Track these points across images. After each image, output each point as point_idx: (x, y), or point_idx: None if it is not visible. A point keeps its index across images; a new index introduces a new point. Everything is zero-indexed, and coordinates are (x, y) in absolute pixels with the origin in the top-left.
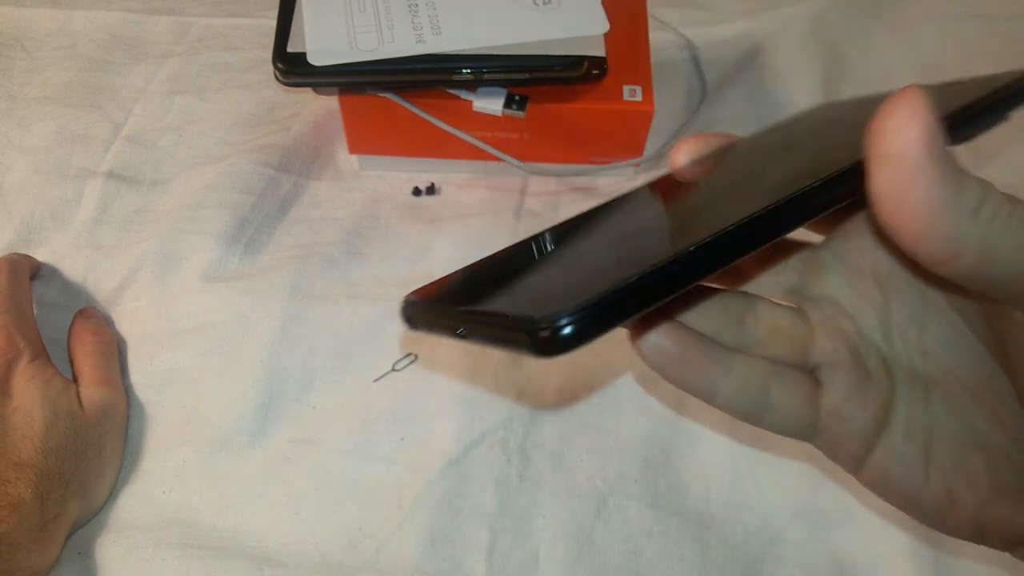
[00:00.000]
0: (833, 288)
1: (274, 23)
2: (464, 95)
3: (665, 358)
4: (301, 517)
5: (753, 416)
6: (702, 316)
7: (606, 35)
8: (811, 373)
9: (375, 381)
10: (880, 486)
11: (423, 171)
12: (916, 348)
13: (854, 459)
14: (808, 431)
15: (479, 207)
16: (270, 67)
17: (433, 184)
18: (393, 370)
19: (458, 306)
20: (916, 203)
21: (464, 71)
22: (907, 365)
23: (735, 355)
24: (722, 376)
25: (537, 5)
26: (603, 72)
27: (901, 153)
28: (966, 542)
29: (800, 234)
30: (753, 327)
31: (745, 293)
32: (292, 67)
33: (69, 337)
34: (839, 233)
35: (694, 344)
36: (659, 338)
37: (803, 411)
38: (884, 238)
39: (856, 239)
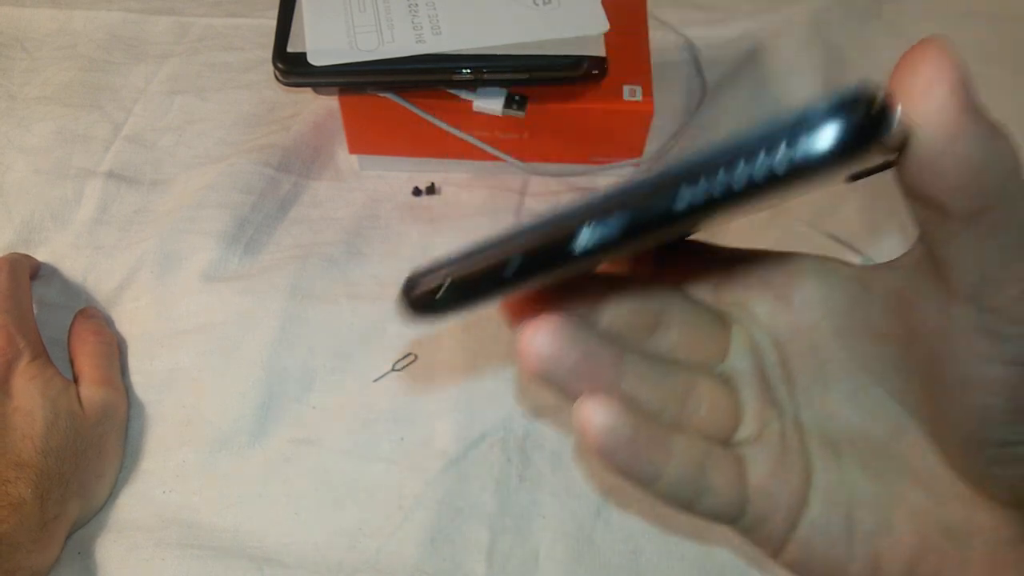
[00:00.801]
0: (745, 358)
1: (274, 23)
2: (464, 95)
3: (618, 440)
4: (301, 517)
5: (689, 502)
6: (652, 389)
7: (606, 35)
8: (733, 450)
9: (375, 381)
10: (804, 565)
11: (423, 171)
12: (821, 410)
13: (777, 538)
14: (736, 512)
15: (479, 207)
16: (270, 67)
17: (433, 184)
18: (393, 370)
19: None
20: (955, 162)
21: (464, 71)
22: (816, 429)
23: (673, 434)
24: (666, 459)
25: (537, 5)
26: (603, 72)
27: (935, 113)
28: None
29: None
30: (697, 402)
31: (687, 365)
32: (292, 67)
33: (70, 337)
34: (733, 301)
35: (644, 424)
36: (609, 417)
37: (735, 491)
38: (910, 193)
39: (750, 305)
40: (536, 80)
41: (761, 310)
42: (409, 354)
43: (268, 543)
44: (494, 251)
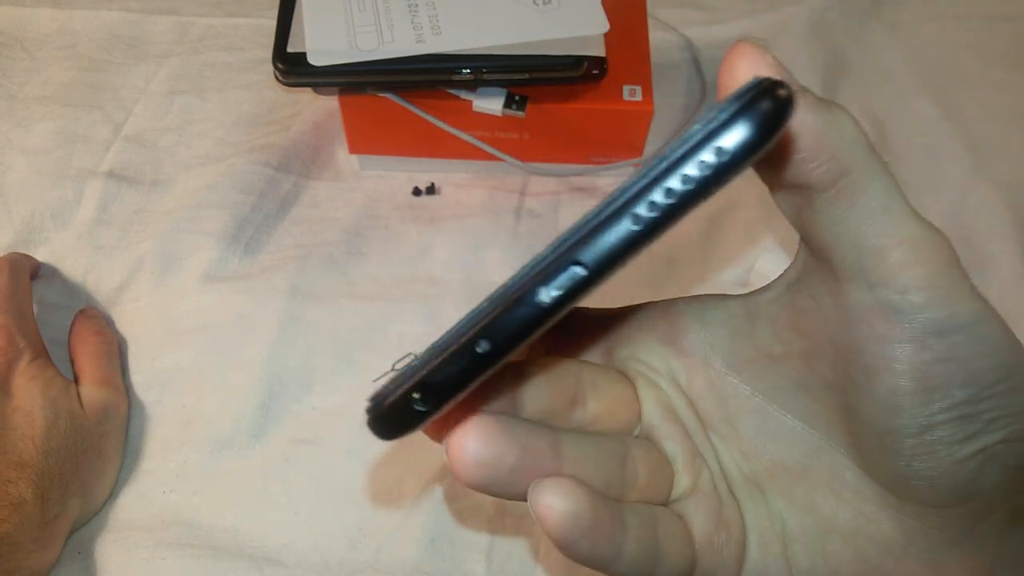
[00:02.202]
0: (658, 411)
1: (274, 23)
2: (464, 95)
3: (580, 528)
4: (301, 517)
5: (647, 575)
6: (594, 465)
7: (606, 35)
8: (674, 508)
9: (375, 381)
10: None
11: (423, 171)
12: (737, 450)
13: None
14: (687, 573)
15: (479, 207)
16: (270, 67)
17: (433, 184)
18: (393, 370)
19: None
20: (799, 134)
21: (464, 71)
22: (736, 470)
23: (623, 508)
24: (623, 537)
25: (537, 5)
26: (603, 72)
27: None
28: None
29: None
30: (634, 469)
31: (615, 436)
32: (292, 67)
33: (70, 337)
34: (628, 356)
35: (601, 504)
36: (568, 502)
37: (686, 552)
38: (776, 181)
39: (644, 356)
40: (536, 80)
41: (655, 359)
42: (409, 354)
43: (268, 543)
44: (455, 337)
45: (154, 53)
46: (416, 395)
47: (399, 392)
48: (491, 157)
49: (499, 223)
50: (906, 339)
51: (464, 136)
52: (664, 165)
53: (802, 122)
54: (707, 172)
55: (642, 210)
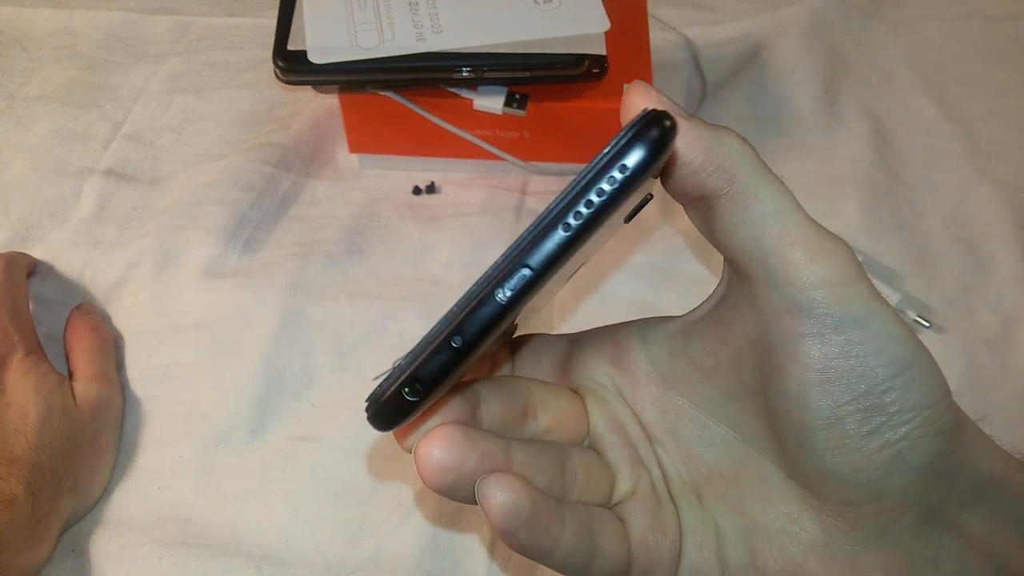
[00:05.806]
0: (604, 424)
1: (274, 23)
2: (465, 93)
3: (520, 518)
4: (300, 514)
5: (584, 567)
6: (537, 468)
7: (606, 34)
8: (614, 510)
9: (375, 379)
10: None
11: (423, 170)
12: (678, 458)
13: None
14: (624, 570)
15: (479, 206)
16: (270, 66)
17: (433, 183)
18: (394, 368)
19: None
20: (687, 150)
21: (465, 69)
22: (677, 476)
23: (562, 505)
24: (560, 530)
25: (538, 3)
26: (604, 71)
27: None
28: None
29: None
30: (573, 472)
31: (557, 443)
32: (292, 65)
33: (65, 332)
34: (581, 376)
35: (541, 498)
36: (511, 494)
37: (622, 550)
38: (679, 196)
39: (594, 375)
40: (537, 78)
41: (603, 377)
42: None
43: (267, 541)
44: (434, 337)
45: (154, 53)
46: (407, 389)
47: (392, 388)
48: (492, 156)
49: (500, 222)
50: (809, 334)
51: (465, 135)
52: (584, 182)
53: (692, 140)
54: (616, 185)
55: (570, 219)
